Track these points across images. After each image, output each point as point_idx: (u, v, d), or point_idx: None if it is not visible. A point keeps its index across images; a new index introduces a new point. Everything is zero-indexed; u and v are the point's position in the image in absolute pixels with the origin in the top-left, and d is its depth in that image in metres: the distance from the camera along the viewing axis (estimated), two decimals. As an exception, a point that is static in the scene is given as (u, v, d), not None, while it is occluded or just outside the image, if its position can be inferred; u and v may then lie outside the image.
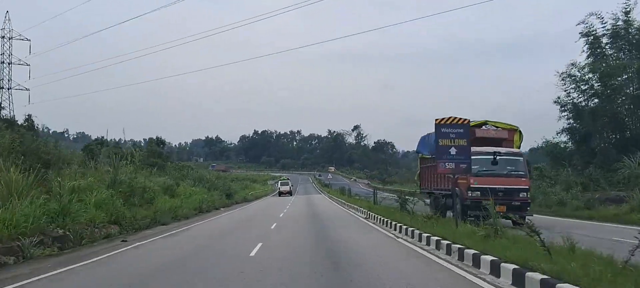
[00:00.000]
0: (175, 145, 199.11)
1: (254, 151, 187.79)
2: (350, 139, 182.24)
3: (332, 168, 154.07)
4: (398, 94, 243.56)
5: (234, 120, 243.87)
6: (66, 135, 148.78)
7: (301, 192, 70.98)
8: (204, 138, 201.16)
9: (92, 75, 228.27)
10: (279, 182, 67.15)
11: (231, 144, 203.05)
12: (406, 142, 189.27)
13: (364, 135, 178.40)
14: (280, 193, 59.24)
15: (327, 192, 64.38)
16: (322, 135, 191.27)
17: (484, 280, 7.03)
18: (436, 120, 12.14)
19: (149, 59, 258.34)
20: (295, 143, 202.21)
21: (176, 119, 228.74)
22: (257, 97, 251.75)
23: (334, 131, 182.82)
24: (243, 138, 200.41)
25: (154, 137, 69.87)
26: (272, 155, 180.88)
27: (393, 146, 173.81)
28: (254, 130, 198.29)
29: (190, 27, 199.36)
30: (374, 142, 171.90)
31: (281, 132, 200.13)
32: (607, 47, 30.38)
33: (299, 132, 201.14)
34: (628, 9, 28.19)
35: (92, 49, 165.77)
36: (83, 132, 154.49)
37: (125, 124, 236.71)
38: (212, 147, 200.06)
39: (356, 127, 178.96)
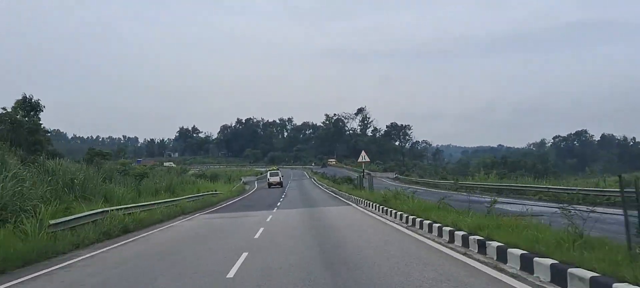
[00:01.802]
0: (157, 141, 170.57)
1: (237, 143, 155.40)
2: (354, 124, 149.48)
3: (332, 161, 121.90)
4: (396, 86, 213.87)
5: (215, 109, 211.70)
6: None
7: (294, 197, 36.08)
8: (177, 130, 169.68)
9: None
10: (268, 172, 65.35)
11: (211, 135, 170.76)
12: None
13: (370, 120, 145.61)
14: (270, 185, 57.01)
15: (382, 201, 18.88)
16: (318, 124, 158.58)
17: None
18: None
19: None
20: (286, 133, 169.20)
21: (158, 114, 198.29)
22: (241, 85, 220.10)
23: (334, 114, 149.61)
24: (224, 128, 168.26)
25: (21, 97, 37.92)
26: (258, 147, 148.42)
27: (407, 131, 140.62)
28: (237, 119, 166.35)
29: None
30: (387, 126, 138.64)
31: (269, 121, 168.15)
32: None
33: (290, 119, 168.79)
34: None
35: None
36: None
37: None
38: (188, 140, 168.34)
39: (360, 110, 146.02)
